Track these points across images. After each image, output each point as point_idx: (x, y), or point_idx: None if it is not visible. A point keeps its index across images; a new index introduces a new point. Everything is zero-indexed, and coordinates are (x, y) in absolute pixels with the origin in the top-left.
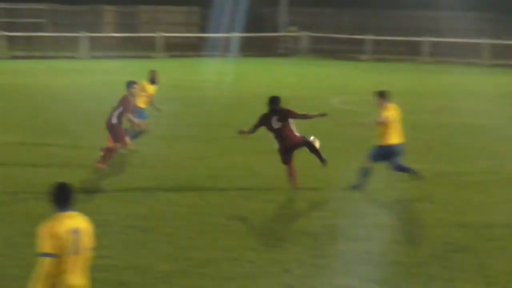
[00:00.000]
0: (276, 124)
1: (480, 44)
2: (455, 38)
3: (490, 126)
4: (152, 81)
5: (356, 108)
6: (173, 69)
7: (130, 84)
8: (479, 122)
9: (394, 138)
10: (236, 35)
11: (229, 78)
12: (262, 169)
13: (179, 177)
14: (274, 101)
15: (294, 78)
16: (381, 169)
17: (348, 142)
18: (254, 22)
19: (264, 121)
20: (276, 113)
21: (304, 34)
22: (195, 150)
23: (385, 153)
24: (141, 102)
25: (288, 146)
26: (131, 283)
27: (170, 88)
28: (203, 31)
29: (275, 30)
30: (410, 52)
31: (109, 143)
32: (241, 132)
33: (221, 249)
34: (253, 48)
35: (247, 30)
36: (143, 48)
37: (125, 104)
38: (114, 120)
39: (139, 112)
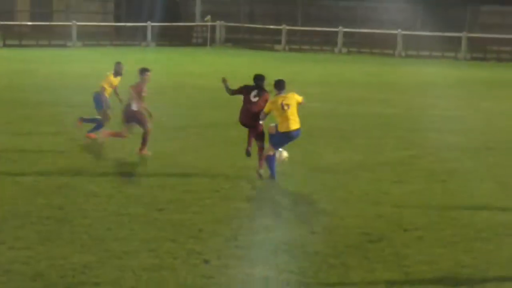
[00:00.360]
0: (253, 98)
1: (395, 35)
2: (370, 29)
3: (405, 116)
4: (117, 73)
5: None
6: (87, 59)
7: (142, 70)
8: (394, 112)
9: (292, 124)
10: (152, 24)
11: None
12: (182, 159)
13: (96, 167)
14: (260, 78)
15: (209, 67)
16: (300, 161)
17: None
18: (170, 11)
19: (245, 90)
20: (257, 89)
21: (220, 23)
22: (113, 141)
23: (285, 139)
24: (107, 92)
25: (243, 121)
26: (48, 274)
27: (84, 77)
28: (118, 20)
29: (191, 20)
30: (326, 42)
31: (123, 131)
32: (224, 81)
33: (139, 240)
34: (169, 37)
35: (163, 19)
36: (57, 37)
37: (137, 89)
38: (134, 107)
39: (103, 101)
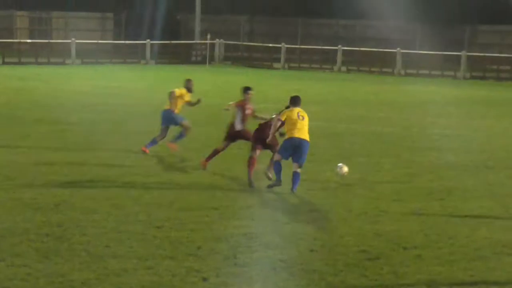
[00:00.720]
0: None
1: (394, 53)
2: (369, 48)
3: (404, 135)
4: (189, 90)
5: (268, 117)
6: (86, 76)
7: (245, 89)
8: (393, 131)
9: (298, 132)
10: (151, 42)
11: (144, 85)
12: (179, 178)
13: (95, 185)
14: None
15: (209, 85)
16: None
17: None
18: (169, 29)
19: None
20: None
21: (219, 41)
22: (111, 158)
23: (289, 145)
24: (178, 108)
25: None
26: None
27: (83, 95)
28: (118, 37)
29: (190, 38)
30: (325, 60)
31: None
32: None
33: (137, 257)
34: (168, 55)
35: (162, 37)
36: (56, 54)
37: (241, 107)
38: (238, 127)
39: (176, 117)
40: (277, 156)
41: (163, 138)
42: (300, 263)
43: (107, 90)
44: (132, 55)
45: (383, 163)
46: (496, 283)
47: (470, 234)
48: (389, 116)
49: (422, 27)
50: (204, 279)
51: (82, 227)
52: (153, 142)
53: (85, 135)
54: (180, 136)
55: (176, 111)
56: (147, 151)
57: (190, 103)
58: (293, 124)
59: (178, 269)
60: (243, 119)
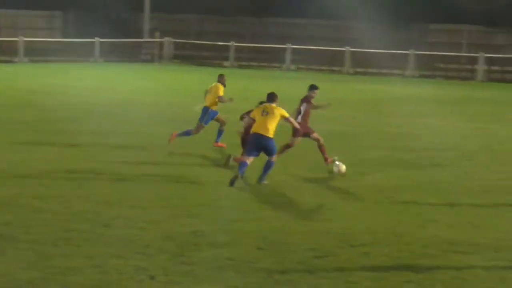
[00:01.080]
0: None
1: (343, 52)
2: (318, 46)
3: (353, 133)
4: (222, 85)
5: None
6: (34, 74)
7: (313, 87)
8: (343, 129)
9: (260, 129)
10: (100, 40)
11: (93, 84)
12: (127, 176)
13: (42, 183)
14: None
15: (158, 84)
16: (247, 177)
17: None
18: (118, 27)
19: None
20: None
21: (167, 40)
22: (58, 156)
23: (252, 140)
24: (212, 103)
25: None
26: None
27: (32, 93)
28: (66, 35)
29: (139, 36)
30: (275, 59)
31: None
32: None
33: (85, 256)
34: (117, 53)
35: (111, 35)
36: (4, 52)
37: (307, 103)
38: (299, 119)
39: (211, 112)
40: (244, 158)
41: (197, 133)
42: (248, 261)
43: (55, 88)
44: (81, 53)
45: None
46: (442, 281)
47: (417, 231)
48: (338, 115)
49: (371, 26)
50: (152, 278)
51: (29, 226)
52: (219, 135)
53: (31, 133)
54: (219, 133)
55: (215, 107)
56: (220, 144)
57: (221, 99)
58: (257, 120)
59: (125, 267)
60: (306, 116)
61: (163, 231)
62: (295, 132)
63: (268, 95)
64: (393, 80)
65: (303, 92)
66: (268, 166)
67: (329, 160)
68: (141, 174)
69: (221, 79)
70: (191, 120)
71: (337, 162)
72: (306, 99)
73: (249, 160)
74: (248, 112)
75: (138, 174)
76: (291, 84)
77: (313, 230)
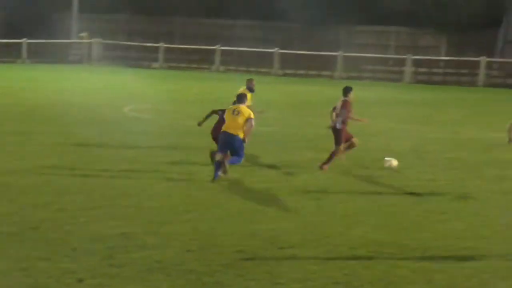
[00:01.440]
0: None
1: (272, 53)
2: (248, 48)
3: (281, 134)
4: (250, 89)
5: (148, 116)
6: None
7: (348, 89)
8: (270, 130)
9: (228, 127)
10: (27, 41)
11: (19, 85)
12: (55, 179)
13: None
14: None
15: (86, 85)
16: (176, 179)
17: (150, 150)
18: (45, 27)
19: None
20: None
21: (96, 40)
22: None
23: (221, 138)
24: None
25: None
26: None
27: None
28: None
29: (67, 37)
30: (204, 60)
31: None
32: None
33: (12, 259)
34: (45, 54)
35: (39, 36)
36: None
37: (347, 107)
38: (339, 125)
39: None
40: (218, 156)
41: None
42: (176, 263)
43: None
44: (8, 54)
45: (256, 163)
46: (370, 282)
47: (345, 233)
48: (266, 116)
49: (300, 27)
50: (80, 280)
51: None
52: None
53: None
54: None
55: None
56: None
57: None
58: (227, 119)
59: (53, 270)
60: (346, 119)
61: (91, 233)
62: (338, 140)
63: (237, 96)
64: (322, 82)
65: (231, 92)
66: (231, 161)
67: (325, 167)
68: (66, 177)
69: (249, 83)
70: (119, 121)
71: (387, 158)
72: (346, 104)
73: (226, 157)
74: (223, 110)
75: (63, 178)
76: (219, 85)
77: (241, 232)
